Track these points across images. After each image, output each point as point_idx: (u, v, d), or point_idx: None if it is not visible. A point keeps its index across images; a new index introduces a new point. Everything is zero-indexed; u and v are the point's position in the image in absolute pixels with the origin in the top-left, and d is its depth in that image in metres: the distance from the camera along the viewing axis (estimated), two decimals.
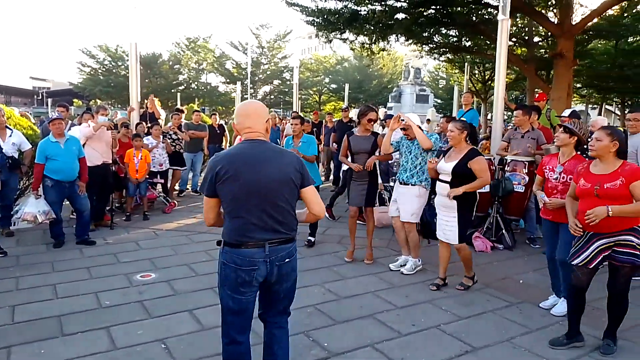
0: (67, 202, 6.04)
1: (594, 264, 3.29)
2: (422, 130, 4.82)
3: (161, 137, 7.96)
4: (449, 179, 4.36)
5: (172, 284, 4.56)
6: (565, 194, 3.71)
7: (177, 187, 9.56)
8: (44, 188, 5.59)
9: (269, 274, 2.43)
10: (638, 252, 3.19)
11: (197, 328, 3.64)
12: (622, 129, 5.27)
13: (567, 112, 5.98)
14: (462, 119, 4.85)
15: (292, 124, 6.14)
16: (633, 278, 4.55)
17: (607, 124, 5.78)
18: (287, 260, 2.46)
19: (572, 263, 3.38)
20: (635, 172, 3.15)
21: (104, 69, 38.16)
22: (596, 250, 3.26)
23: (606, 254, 3.26)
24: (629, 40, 18.14)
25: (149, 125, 8.31)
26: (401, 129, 4.91)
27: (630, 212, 3.14)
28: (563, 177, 3.85)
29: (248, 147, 2.41)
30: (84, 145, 6.04)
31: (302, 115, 6.65)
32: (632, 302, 3.86)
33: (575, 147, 3.89)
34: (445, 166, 4.39)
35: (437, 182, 4.50)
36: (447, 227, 4.43)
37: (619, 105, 28.06)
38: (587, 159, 3.73)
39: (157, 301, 4.14)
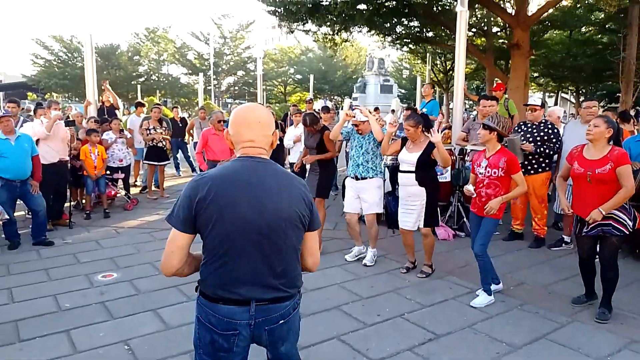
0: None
1: (591, 234, 3.72)
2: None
3: (119, 131, 7.74)
4: (412, 168, 4.46)
5: (134, 283, 4.47)
6: (492, 188, 3.93)
7: (138, 183, 9.36)
8: None
9: (256, 339, 1.87)
10: (617, 225, 3.59)
11: (161, 327, 3.59)
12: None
13: (538, 101, 5.89)
14: (416, 113, 4.94)
15: None
16: (552, 248, 5.41)
17: (563, 113, 5.98)
18: (280, 322, 1.86)
19: (576, 234, 3.88)
20: (621, 157, 3.54)
21: (59, 61, 36.61)
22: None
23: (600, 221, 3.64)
24: (582, 31, 18.83)
25: (109, 119, 8.04)
26: (353, 124, 4.98)
27: (618, 204, 3.55)
28: (488, 172, 3.96)
29: (246, 169, 1.78)
30: (37, 142, 5.82)
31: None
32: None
33: (498, 141, 4.03)
34: (409, 157, 4.49)
35: (400, 174, 4.59)
36: (416, 214, 4.51)
37: (574, 94, 29.10)
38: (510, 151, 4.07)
39: (119, 301, 4.05)
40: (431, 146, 4.38)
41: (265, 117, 1.87)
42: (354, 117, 4.87)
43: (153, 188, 8.61)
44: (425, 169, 4.44)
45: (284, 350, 1.99)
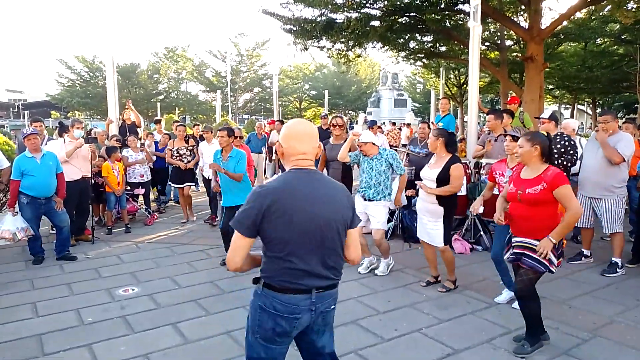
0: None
1: (510, 260, 3.51)
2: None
3: (138, 146, 7.89)
4: (433, 185, 4.46)
5: (154, 297, 4.54)
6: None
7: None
8: (20, 205, 5.52)
9: (312, 322, 2.16)
10: (534, 255, 3.26)
11: (181, 341, 3.64)
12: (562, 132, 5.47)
13: (546, 114, 5.98)
14: (438, 126, 5.01)
15: (219, 137, 5.57)
16: (572, 262, 5.29)
17: (578, 125, 5.95)
18: (332, 307, 2.20)
19: (505, 258, 3.62)
20: (556, 178, 3.18)
21: (81, 80, 37.59)
22: (514, 244, 3.43)
23: (518, 251, 3.37)
24: (597, 42, 18.71)
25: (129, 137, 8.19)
26: (358, 145, 5.08)
27: (566, 229, 3.22)
28: None
29: (300, 180, 2.08)
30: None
31: (231, 127, 5.87)
32: (604, 299, 3.99)
33: None
34: (430, 173, 4.53)
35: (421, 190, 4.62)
36: (433, 231, 4.55)
37: (590, 105, 28.78)
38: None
39: (139, 315, 4.12)
40: (450, 163, 4.42)
41: (314, 130, 2.17)
42: (359, 137, 5.01)
43: (173, 203, 8.73)
44: (444, 186, 4.44)
45: (326, 340, 2.25)
